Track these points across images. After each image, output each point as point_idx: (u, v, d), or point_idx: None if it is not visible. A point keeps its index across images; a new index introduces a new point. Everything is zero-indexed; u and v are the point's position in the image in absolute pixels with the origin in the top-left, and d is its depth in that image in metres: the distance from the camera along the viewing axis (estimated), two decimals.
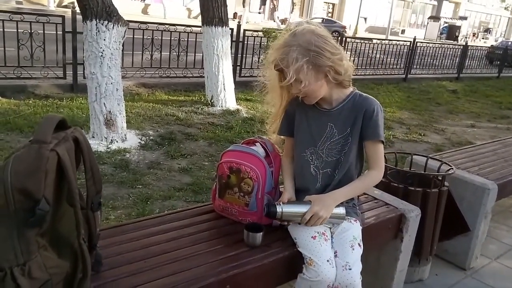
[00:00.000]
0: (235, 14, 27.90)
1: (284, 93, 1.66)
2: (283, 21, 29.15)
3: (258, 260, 1.46)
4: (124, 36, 4.17)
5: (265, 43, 8.36)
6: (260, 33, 8.40)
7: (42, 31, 5.76)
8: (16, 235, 1.00)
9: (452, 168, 2.35)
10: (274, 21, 30.15)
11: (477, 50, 14.03)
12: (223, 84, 6.09)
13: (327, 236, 1.57)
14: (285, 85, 1.54)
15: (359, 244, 1.58)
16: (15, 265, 1.00)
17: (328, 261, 1.47)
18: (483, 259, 2.70)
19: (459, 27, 40.20)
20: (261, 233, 1.53)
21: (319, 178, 1.69)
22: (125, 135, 4.32)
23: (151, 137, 4.57)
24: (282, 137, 1.80)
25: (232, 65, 6.68)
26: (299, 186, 1.74)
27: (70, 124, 1.17)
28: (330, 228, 1.63)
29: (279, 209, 1.54)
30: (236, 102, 6.40)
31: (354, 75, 1.64)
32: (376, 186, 2.26)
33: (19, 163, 1.00)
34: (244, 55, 7.82)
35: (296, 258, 1.51)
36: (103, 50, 4.01)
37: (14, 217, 0.99)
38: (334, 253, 1.52)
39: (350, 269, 1.48)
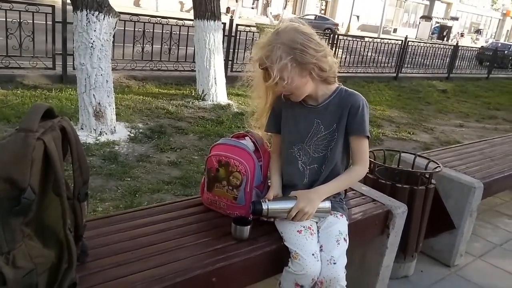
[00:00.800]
0: (228, 9, 27.78)
1: (269, 90, 1.66)
2: (276, 17, 29.09)
3: (245, 253, 1.47)
4: (115, 27, 4.14)
5: (257, 39, 8.36)
6: (253, 28, 8.37)
7: (31, 21, 5.67)
8: (1, 224, 0.99)
9: (440, 166, 2.37)
10: (267, 17, 30.10)
11: (467, 51, 14.16)
12: (214, 79, 6.08)
13: (313, 230, 1.58)
14: (270, 84, 1.54)
15: (344, 238, 1.59)
16: None
17: (313, 255, 1.49)
18: (467, 257, 2.74)
19: (450, 27, 40.55)
20: (249, 227, 1.54)
21: (307, 174, 1.70)
22: (114, 127, 4.29)
23: (141, 130, 4.55)
24: (268, 133, 1.80)
25: (224, 60, 6.65)
26: (287, 182, 1.75)
27: (57, 114, 1.16)
28: (316, 223, 1.64)
29: (264, 206, 1.55)
30: (227, 96, 6.39)
31: (345, 72, 1.67)
32: (364, 183, 2.29)
33: (4, 151, 0.98)
34: (236, 50, 7.80)
35: (283, 252, 1.52)
36: (94, 41, 3.97)
37: None
38: (320, 247, 1.54)
39: (334, 263, 1.49)
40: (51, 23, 5.90)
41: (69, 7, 4.69)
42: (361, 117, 1.61)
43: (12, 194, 0.99)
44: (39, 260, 1.07)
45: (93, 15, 3.90)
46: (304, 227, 1.56)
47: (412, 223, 2.24)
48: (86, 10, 3.88)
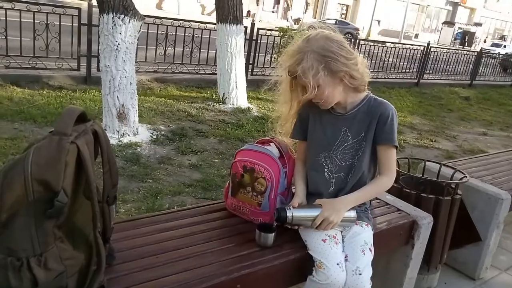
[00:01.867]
0: (248, 12, 27.88)
1: (296, 97, 1.64)
2: (296, 21, 29.06)
3: (269, 261, 1.46)
4: (139, 30, 4.19)
5: (279, 42, 8.36)
6: (274, 32, 8.38)
7: (58, 23, 5.80)
8: (34, 226, 1.01)
9: (466, 176, 2.32)
10: (287, 21, 30.08)
11: (491, 58, 13.88)
12: (235, 82, 6.09)
13: (337, 239, 1.57)
14: (308, 96, 1.52)
15: (370, 249, 1.57)
16: (31, 255, 1.01)
17: (338, 264, 1.47)
18: (493, 270, 2.67)
19: (473, 33, 39.84)
20: (273, 234, 1.53)
21: (333, 182, 1.68)
22: (136, 129, 4.34)
23: (162, 132, 4.59)
24: (293, 140, 1.78)
25: (245, 63, 6.67)
26: (312, 190, 1.72)
27: (89, 117, 1.18)
28: (341, 232, 1.62)
29: (289, 213, 1.53)
30: (248, 100, 6.40)
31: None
32: (389, 192, 2.25)
33: (39, 154, 1.00)
34: (257, 54, 7.81)
35: (307, 260, 1.51)
36: (119, 44, 4.03)
37: (32, 207, 1.00)
38: (345, 257, 1.52)
39: (360, 274, 1.47)
40: (77, 25, 6.01)
41: (95, 10, 4.78)
42: (390, 126, 1.59)
43: (46, 196, 1.00)
44: (69, 263, 1.08)
45: (119, 18, 3.96)
46: (328, 236, 1.54)
47: (437, 234, 2.19)
48: (112, 13, 3.94)
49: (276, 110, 1.80)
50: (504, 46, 29.15)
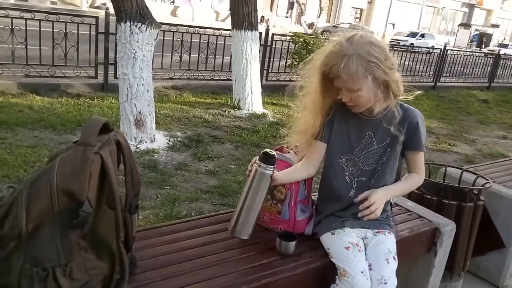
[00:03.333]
0: (262, 18, 27.93)
1: (325, 101, 1.61)
2: (310, 26, 29.02)
3: (290, 270, 1.45)
4: (156, 38, 4.23)
5: (293, 48, 8.36)
6: (288, 37, 8.39)
7: (76, 31, 5.90)
8: (59, 236, 1.02)
9: (489, 182, 2.28)
10: (301, 26, 30.06)
11: (509, 60, 13.64)
12: (251, 88, 6.11)
13: (360, 247, 1.54)
14: (345, 99, 1.52)
15: (394, 257, 1.54)
16: (57, 266, 1.02)
17: (362, 272, 1.45)
18: None
19: (490, 35, 39.23)
20: (294, 242, 1.52)
21: (354, 185, 1.65)
22: (154, 135, 4.38)
23: (179, 139, 4.62)
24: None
25: (259, 69, 6.68)
26: (331, 193, 1.69)
27: (112, 127, 1.19)
28: (363, 240, 1.60)
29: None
30: (263, 106, 6.40)
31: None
32: (409, 198, 2.23)
33: (64, 164, 1.01)
34: (272, 59, 7.83)
35: (329, 268, 1.49)
36: (136, 52, 4.08)
37: (58, 217, 1.01)
38: (369, 266, 1.49)
39: (385, 283, 1.45)
40: (94, 33, 6.11)
41: (112, 18, 4.85)
42: (418, 133, 1.61)
43: (71, 207, 1.01)
44: (94, 272, 1.09)
45: (136, 26, 4.01)
46: (352, 243, 1.52)
47: (459, 241, 2.15)
48: (130, 22, 3.99)
49: (296, 116, 1.73)
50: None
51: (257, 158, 1.48)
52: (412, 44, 17.39)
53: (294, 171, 1.65)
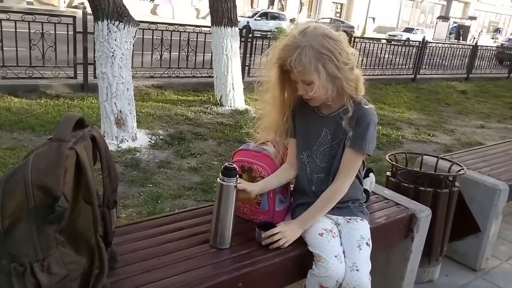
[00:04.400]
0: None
1: (285, 94, 1.60)
2: (291, 21, 29.11)
3: (270, 259, 1.48)
4: (135, 36, 4.21)
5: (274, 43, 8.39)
6: (269, 33, 8.41)
7: (53, 32, 5.82)
8: (36, 231, 1.02)
9: (463, 169, 2.34)
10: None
11: (486, 50, 13.92)
12: (232, 84, 6.12)
13: (334, 233, 1.58)
14: (300, 92, 1.50)
15: (367, 243, 1.57)
16: (34, 261, 1.02)
17: (336, 256, 1.48)
18: (493, 260, 2.69)
19: (468, 27, 39.89)
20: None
21: (314, 181, 1.66)
22: (135, 134, 4.36)
23: (161, 137, 4.61)
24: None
25: (241, 65, 6.69)
26: (298, 187, 1.73)
27: (87, 123, 1.19)
28: (337, 226, 1.63)
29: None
30: (245, 102, 6.42)
31: (362, 75, 1.54)
32: (386, 186, 2.28)
33: (39, 160, 1.02)
34: (253, 55, 7.84)
35: (307, 257, 1.52)
36: (114, 50, 4.05)
37: (33, 213, 1.02)
38: (343, 253, 1.53)
39: (357, 270, 1.48)
40: (72, 33, 6.03)
41: (90, 17, 4.79)
42: (363, 132, 1.53)
43: (46, 202, 1.02)
44: (72, 267, 1.09)
45: (113, 24, 3.98)
46: (325, 229, 1.56)
47: (436, 227, 2.21)
48: (107, 20, 3.96)
49: (260, 113, 1.75)
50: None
51: (220, 174, 1.49)
52: (409, 38, 18.25)
53: (281, 173, 1.67)
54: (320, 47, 1.42)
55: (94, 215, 1.13)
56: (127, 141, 4.24)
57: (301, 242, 1.58)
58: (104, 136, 4.15)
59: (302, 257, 1.54)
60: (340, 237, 1.59)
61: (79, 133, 1.12)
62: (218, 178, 1.50)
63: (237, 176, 1.49)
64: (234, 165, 1.50)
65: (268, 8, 33.30)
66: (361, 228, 1.62)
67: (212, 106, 6.11)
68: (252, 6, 26.83)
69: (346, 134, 1.58)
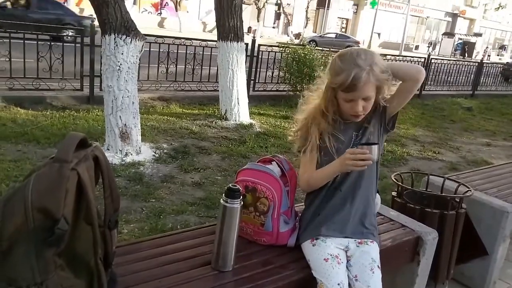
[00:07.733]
0: (249, 29, 28.14)
1: (327, 114, 1.65)
2: (297, 36, 29.30)
3: (273, 282, 1.45)
4: (141, 50, 4.23)
5: (280, 58, 8.41)
6: (275, 48, 8.44)
7: (61, 44, 5.87)
8: (34, 254, 1.00)
9: (470, 190, 2.31)
10: (288, 36, 30.31)
11: (492, 67, 13.90)
12: (237, 99, 6.12)
13: (340, 259, 1.55)
14: (364, 105, 1.57)
15: (378, 266, 1.56)
16: (32, 284, 1.00)
17: (339, 284, 1.45)
18: (501, 284, 2.63)
19: (473, 44, 39.96)
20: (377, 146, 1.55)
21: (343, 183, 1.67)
22: (139, 148, 4.35)
23: (165, 150, 4.60)
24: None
25: (246, 80, 6.71)
26: (323, 205, 1.70)
27: (90, 142, 1.18)
28: (346, 252, 1.61)
29: None
30: (250, 116, 6.42)
31: None
32: (392, 207, 2.25)
33: (40, 181, 1.00)
34: (258, 69, 7.87)
35: (311, 280, 1.49)
36: (121, 64, 4.07)
37: (33, 235, 1.00)
38: (355, 277, 1.51)
39: None
40: (79, 45, 6.08)
41: (97, 30, 4.84)
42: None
43: (46, 224, 1.00)
44: None
45: (120, 38, 4.01)
46: (331, 255, 1.53)
47: (442, 249, 2.17)
48: (114, 34, 3.99)
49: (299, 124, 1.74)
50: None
51: (223, 195, 1.48)
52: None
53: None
54: (377, 65, 1.53)
55: (94, 237, 1.11)
56: (131, 154, 4.23)
57: (305, 264, 1.54)
58: (108, 150, 4.16)
59: (306, 281, 1.50)
60: (350, 262, 1.57)
61: (81, 153, 1.11)
62: (221, 200, 1.48)
63: (241, 197, 1.47)
64: (238, 187, 1.48)
65: (274, 23, 33.61)
66: (372, 251, 1.60)
67: (217, 120, 6.11)
68: (258, 21, 27.03)
69: (374, 131, 1.67)
